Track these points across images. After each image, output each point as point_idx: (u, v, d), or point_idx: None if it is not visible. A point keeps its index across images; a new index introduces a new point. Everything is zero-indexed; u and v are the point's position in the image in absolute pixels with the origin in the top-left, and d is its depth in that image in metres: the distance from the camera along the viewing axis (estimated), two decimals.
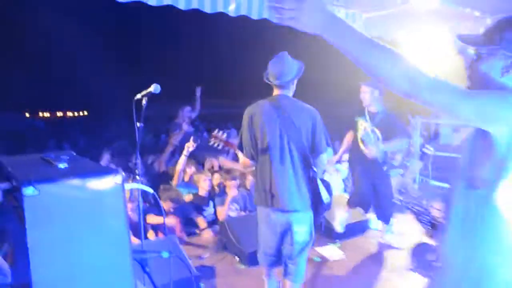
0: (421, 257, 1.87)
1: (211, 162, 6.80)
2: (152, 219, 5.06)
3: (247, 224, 4.90)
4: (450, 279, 1.60)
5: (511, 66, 1.46)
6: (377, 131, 5.06)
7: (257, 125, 3.30)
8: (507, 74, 1.47)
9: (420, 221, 2.33)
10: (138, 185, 1.72)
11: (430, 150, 7.94)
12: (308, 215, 3.30)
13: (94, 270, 1.41)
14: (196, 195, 5.94)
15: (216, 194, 6.12)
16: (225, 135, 4.04)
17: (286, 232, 3.31)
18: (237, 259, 4.83)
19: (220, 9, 5.32)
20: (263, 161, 3.31)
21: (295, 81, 3.37)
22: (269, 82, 3.38)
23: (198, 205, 5.85)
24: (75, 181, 1.36)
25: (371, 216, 5.77)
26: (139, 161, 3.37)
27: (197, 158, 6.90)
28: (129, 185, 1.57)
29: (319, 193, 3.22)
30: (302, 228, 3.26)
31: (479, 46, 1.55)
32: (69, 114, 36.54)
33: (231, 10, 5.45)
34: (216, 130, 4.06)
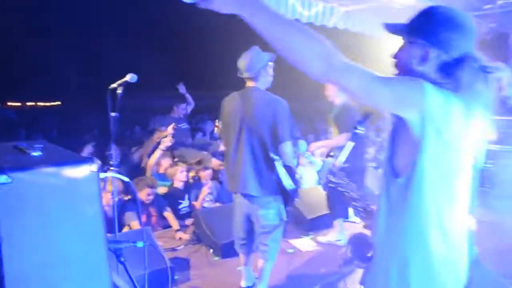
0: (358, 248, 1.93)
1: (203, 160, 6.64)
2: (132, 223, 4.97)
3: (221, 216, 4.91)
4: (379, 266, 1.66)
5: (427, 55, 1.51)
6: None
7: (225, 115, 3.59)
8: (424, 63, 1.52)
9: (354, 208, 2.41)
10: (114, 174, 1.70)
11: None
12: (273, 200, 3.47)
13: (69, 259, 1.39)
14: (171, 187, 5.91)
15: (191, 187, 6.10)
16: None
17: (253, 216, 3.56)
18: (211, 251, 4.83)
19: None
20: (228, 149, 3.60)
21: (267, 72, 3.44)
22: (240, 76, 3.52)
23: (173, 198, 5.80)
24: (50, 169, 1.34)
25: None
26: (113, 151, 3.35)
27: (183, 155, 6.89)
28: (105, 174, 1.56)
29: (280, 180, 3.38)
30: (267, 212, 3.46)
31: (401, 35, 1.61)
32: (41, 103, 35.60)
33: None
34: (217, 120, 4.15)
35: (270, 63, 3.49)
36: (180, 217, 5.65)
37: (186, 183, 6.06)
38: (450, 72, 1.47)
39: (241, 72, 3.48)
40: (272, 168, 3.39)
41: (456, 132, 1.46)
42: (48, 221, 1.34)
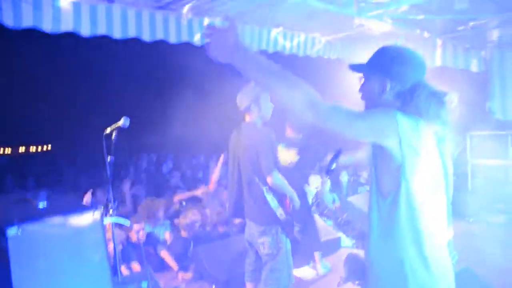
0: (352, 266, 2.07)
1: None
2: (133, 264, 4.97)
3: (221, 252, 4.94)
4: (372, 277, 1.81)
5: (385, 86, 1.75)
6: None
7: (228, 149, 3.80)
8: (384, 93, 1.76)
9: (345, 231, 2.63)
10: (116, 219, 1.77)
11: None
12: (271, 229, 3.49)
13: None
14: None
15: None
16: None
17: (254, 243, 3.63)
18: (213, 286, 4.84)
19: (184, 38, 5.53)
20: (228, 180, 3.80)
21: (259, 106, 3.52)
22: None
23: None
24: (56, 219, 1.42)
25: (341, 234, 5.91)
26: (111, 195, 3.40)
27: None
28: (108, 219, 1.63)
29: (270, 208, 3.44)
30: (265, 240, 3.49)
31: (362, 71, 1.86)
32: (32, 149, 35.50)
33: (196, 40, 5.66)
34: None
35: (264, 96, 3.52)
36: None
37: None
38: (406, 99, 1.70)
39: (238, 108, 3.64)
40: (262, 198, 3.45)
41: (429, 150, 1.67)
42: (56, 268, 1.41)
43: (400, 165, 1.62)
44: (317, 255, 5.23)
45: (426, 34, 6.50)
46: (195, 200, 7.00)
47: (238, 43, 1.53)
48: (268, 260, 3.53)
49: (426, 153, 1.65)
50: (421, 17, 5.68)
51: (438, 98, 1.69)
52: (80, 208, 1.52)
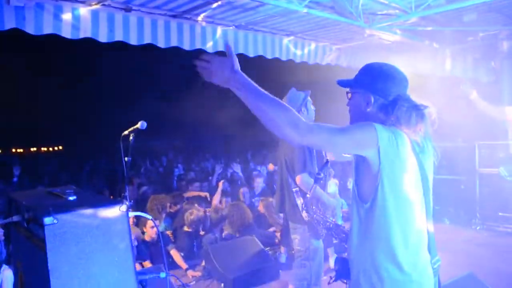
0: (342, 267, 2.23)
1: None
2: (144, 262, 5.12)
3: (230, 251, 5.08)
4: (353, 279, 1.94)
5: (370, 100, 1.89)
6: None
7: (278, 153, 4.08)
8: (369, 106, 1.89)
9: (333, 235, 2.83)
10: (139, 213, 1.94)
11: None
12: (299, 226, 3.70)
13: None
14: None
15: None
16: None
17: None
18: (222, 285, 4.97)
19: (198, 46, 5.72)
20: (278, 181, 4.13)
21: (306, 109, 3.75)
22: None
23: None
24: (87, 211, 1.58)
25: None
26: (127, 193, 3.58)
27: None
28: (133, 213, 1.78)
29: (297, 207, 3.61)
30: (295, 237, 3.78)
31: (349, 87, 2.01)
32: (43, 149, 35.95)
33: (209, 47, 5.84)
34: None
35: (309, 99, 3.79)
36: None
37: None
38: (389, 111, 1.84)
39: None
40: (293, 197, 3.70)
41: (406, 159, 1.79)
42: (86, 255, 1.57)
43: (377, 172, 1.76)
44: (330, 250, 5.40)
45: (435, 45, 6.61)
46: (200, 200, 7.17)
47: (234, 70, 1.67)
48: (298, 256, 3.78)
49: (403, 162, 1.78)
50: (429, 28, 5.80)
51: (418, 110, 1.83)
52: (108, 202, 1.68)
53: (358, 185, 1.89)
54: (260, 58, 6.57)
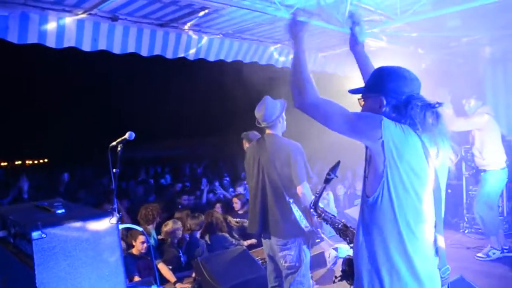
0: (348, 267, 2.21)
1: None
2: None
3: (221, 261, 5.01)
4: (356, 278, 1.91)
5: (382, 103, 1.88)
6: None
7: (248, 162, 3.86)
8: (383, 108, 1.88)
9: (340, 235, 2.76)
10: (130, 225, 1.89)
11: None
12: (293, 241, 3.51)
13: None
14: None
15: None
16: None
17: (276, 258, 3.65)
18: None
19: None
20: (250, 193, 3.83)
21: (283, 119, 3.69)
22: (258, 125, 3.74)
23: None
24: (76, 224, 1.54)
25: (340, 245, 6.01)
26: (116, 205, 3.50)
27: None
28: (123, 225, 1.74)
29: (296, 220, 3.46)
30: (287, 253, 3.52)
31: (360, 93, 2.04)
32: (28, 162, 35.40)
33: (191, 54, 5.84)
34: None
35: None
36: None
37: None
38: (402, 112, 1.83)
39: (259, 122, 3.68)
40: (289, 210, 3.48)
41: (416, 159, 1.77)
42: (75, 270, 1.52)
43: (383, 169, 1.74)
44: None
45: (420, 50, 6.68)
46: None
47: (302, 32, 2.04)
48: (290, 274, 3.55)
49: (412, 162, 1.75)
50: (414, 34, 5.86)
51: (432, 108, 1.82)
52: (98, 214, 1.64)
53: (366, 178, 1.87)
54: (237, 62, 6.65)
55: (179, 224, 5.85)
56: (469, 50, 7.14)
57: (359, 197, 8.83)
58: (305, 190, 3.47)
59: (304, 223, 3.47)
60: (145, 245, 5.07)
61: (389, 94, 1.87)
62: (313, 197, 2.99)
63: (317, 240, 3.62)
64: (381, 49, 6.61)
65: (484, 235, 5.78)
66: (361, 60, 2.46)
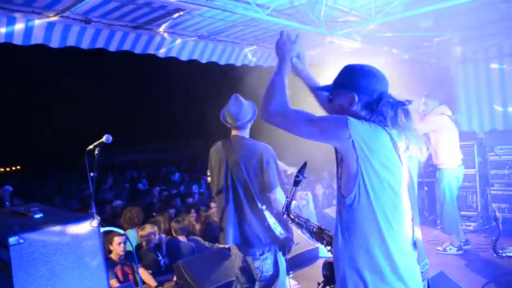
0: (330, 271, 2.21)
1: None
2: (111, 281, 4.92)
3: (203, 264, 4.97)
4: (338, 280, 1.89)
5: (354, 99, 1.88)
6: None
7: (213, 166, 3.52)
8: (353, 105, 1.89)
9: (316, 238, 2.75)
10: (112, 228, 1.85)
11: None
12: (268, 249, 3.30)
13: None
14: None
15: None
16: None
17: (249, 269, 3.40)
18: None
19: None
20: (217, 200, 3.49)
21: (251, 122, 3.48)
22: (226, 124, 3.46)
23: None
24: (55, 228, 1.49)
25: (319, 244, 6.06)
26: (94, 210, 3.43)
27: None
28: (104, 228, 1.69)
29: (270, 227, 3.27)
30: (263, 263, 3.29)
31: (329, 90, 2.05)
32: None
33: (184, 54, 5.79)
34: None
35: None
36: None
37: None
38: (373, 109, 1.84)
39: (231, 121, 3.40)
40: (262, 217, 3.27)
41: (387, 154, 1.79)
42: (56, 275, 1.47)
43: (357, 168, 1.75)
44: None
45: (394, 50, 6.79)
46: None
47: (289, 54, 2.11)
48: (268, 283, 3.33)
49: (384, 160, 1.77)
50: (389, 34, 5.95)
51: (403, 105, 1.85)
52: (78, 217, 1.59)
53: (340, 179, 1.87)
54: (213, 64, 6.65)
55: (156, 228, 5.79)
56: (441, 50, 7.30)
57: None
58: (278, 196, 3.26)
59: (278, 230, 3.30)
60: (122, 246, 4.97)
61: (361, 91, 1.88)
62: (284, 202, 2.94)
63: (296, 243, 3.48)
64: (355, 50, 6.70)
65: (444, 232, 5.90)
66: (311, 82, 2.39)
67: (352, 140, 1.72)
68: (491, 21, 6.10)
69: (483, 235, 6.60)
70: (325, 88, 2.05)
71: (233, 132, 3.46)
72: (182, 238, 5.93)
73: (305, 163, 2.82)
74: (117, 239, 4.97)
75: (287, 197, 2.94)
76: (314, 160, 2.89)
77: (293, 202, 3.05)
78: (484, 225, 7.04)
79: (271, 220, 3.29)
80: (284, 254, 3.41)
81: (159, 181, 12.70)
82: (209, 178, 3.71)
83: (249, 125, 3.48)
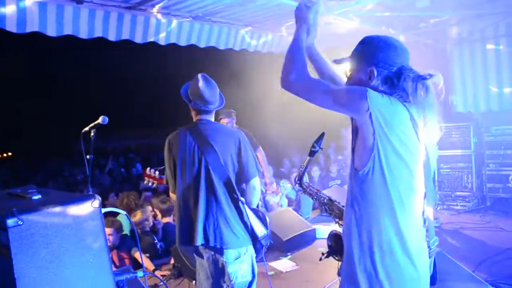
0: (335, 243, 2.19)
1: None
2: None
3: None
4: (346, 254, 1.87)
5: (372, 73, 1.82)
6: None
7: (176, 155, 3.02)
8: (372, 80, 1.83)
9: (325, 210, 2.70)
10: (114, 209, 1.80)
11: None
12: (245, 251, 2.94)
13: None
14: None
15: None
16: (157, 172, 3.84)
17: (221, 273, 2.98)
18: (194, 282, 4.84)
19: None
20: (184, 194, 2.99)
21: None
22: (195, 107, 3.09)
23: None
24: (56, 209, 1.44)
25: (318, 226, 6.07)
26: (91, 192, 3.37)
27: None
28: (106, 209, 1.64)
29: (250, 226, 2.92)
30: (238, 267, 2.90)
31: (347, 62, 2.00)
32: None
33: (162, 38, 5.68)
34: (148, 169, 3.93)
35: None
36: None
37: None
38: (394, 83, 1.78)
39: (202, 103, 3.02)
40: (240, 212, 2.91)
41: (405, 130, 1.74)
42: (57, 257, 1.42)
43: (373, 142, 1.70)
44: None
45: (391, 30, 6.72)
46: None
47: (308, 18, 2.04)
48: None
49: (401, 133, 1.72)
50: (387, 14, 5.87)
51: (424, 80, 1.78)
52: (79, 198, 1.53)
53: (354, 151, 1.82)
54: (213, 49, 6.53)
55: (148, 212, 5.76)
56: (437, 31, 7.23)
57: (333, 180, 8.96)
58: (257, 185, 2.98)
59: (259, 228, 2.96)
60: (110, 238, 4.95)
61: (380, 65, 1.81)
62: (298, 171, 2.86)
63: (268, 243, 3.07)
64: (353, 30, 6.61)
65: None
66: (318, 60, 2.30)
67: (370, 113, 1.67)
68: (488, 0, 6.03)
69: (478, 214, 6.68)
70: (343, 60, 2.00)
71: (199, 116, 3.07)
72: (168, 219, 5.91)
73: (323, 134, 2.73)
74: (107, 231, 4.94)
75: (301, 167, 2.88)
76: (309, 143, 2.81)
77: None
78: (479, 205, 7.11)
79: (251, 215, 2.94)
80: (257, 256, 3.06)
81: (153, 165, 12.67)
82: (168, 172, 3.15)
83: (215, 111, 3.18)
